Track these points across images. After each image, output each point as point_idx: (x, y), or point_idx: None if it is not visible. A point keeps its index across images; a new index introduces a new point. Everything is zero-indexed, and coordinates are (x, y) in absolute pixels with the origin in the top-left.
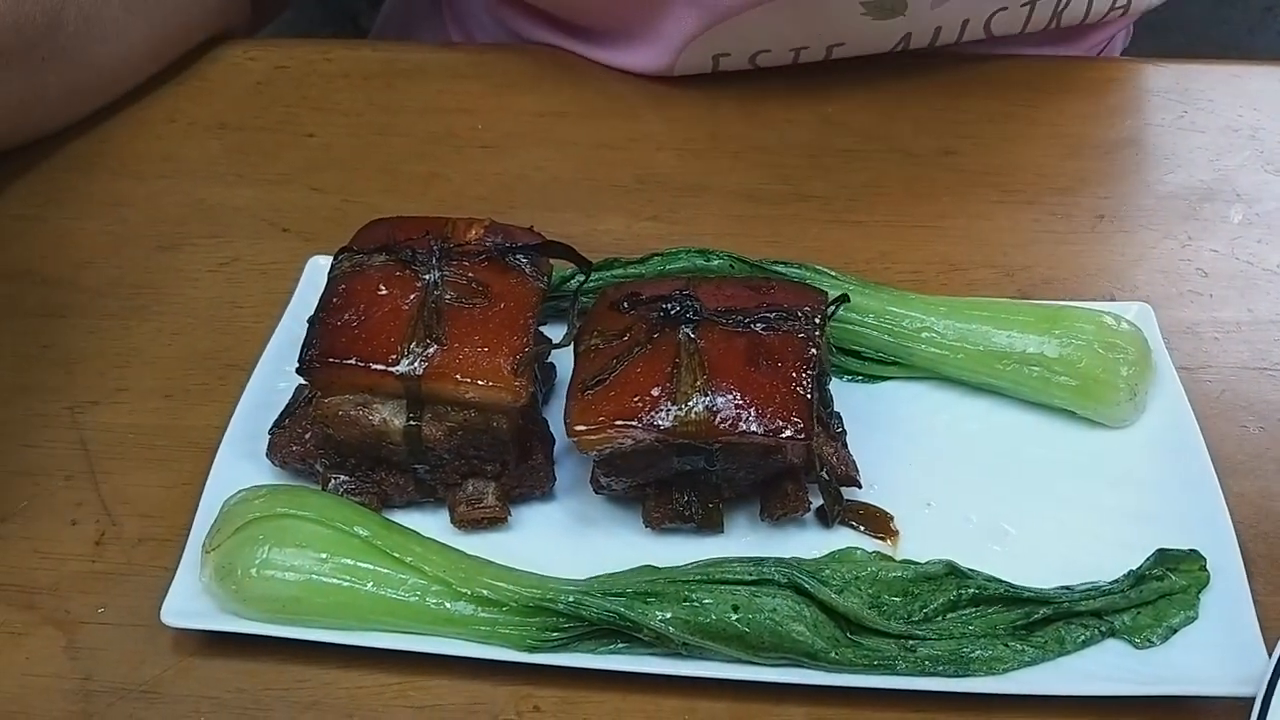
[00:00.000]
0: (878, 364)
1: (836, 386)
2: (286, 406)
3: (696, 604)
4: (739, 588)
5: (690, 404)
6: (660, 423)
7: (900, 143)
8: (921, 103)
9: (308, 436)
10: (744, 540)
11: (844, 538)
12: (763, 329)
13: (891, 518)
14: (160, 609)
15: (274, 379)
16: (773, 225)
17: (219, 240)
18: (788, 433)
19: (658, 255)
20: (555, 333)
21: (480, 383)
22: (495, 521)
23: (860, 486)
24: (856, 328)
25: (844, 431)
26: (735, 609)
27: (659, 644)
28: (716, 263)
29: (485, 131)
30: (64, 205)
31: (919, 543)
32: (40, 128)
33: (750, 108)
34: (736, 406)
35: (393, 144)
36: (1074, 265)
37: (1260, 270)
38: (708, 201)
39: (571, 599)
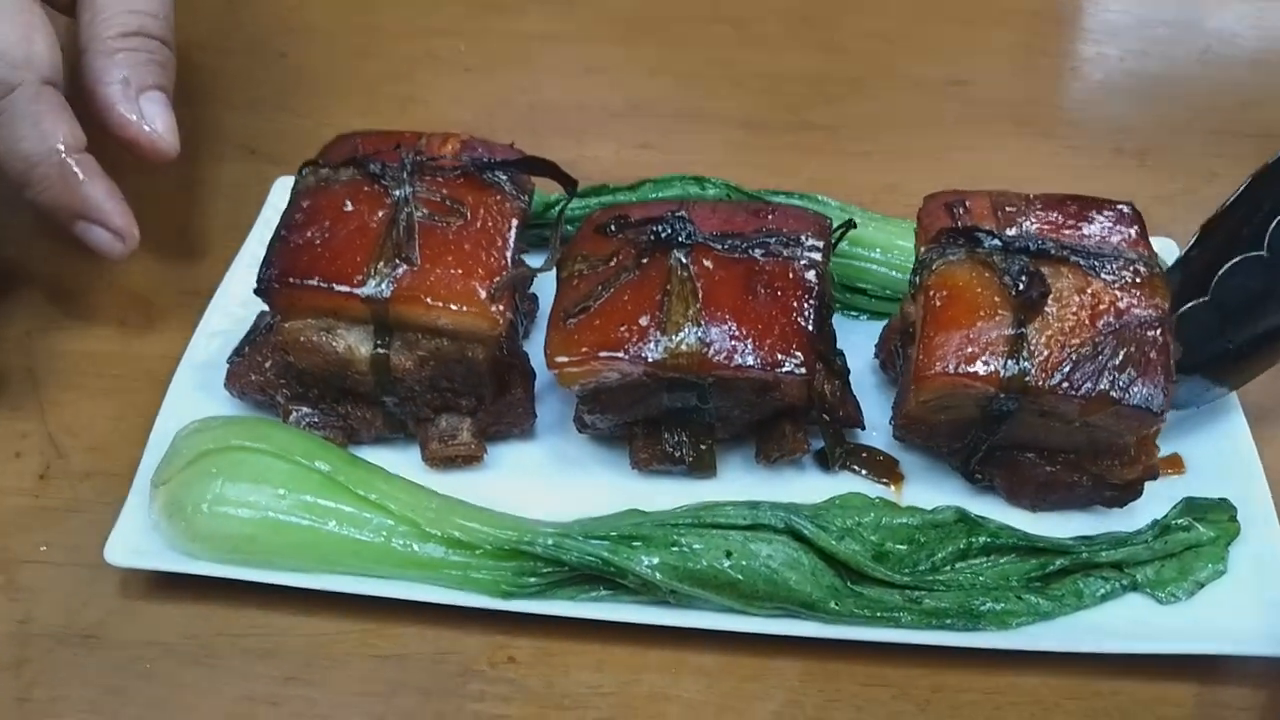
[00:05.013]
0: (884, 300)
1: (840, 322)
2: (247, 334)
3: (686, 549)
4: (732, 532)
5: (681, 335)
6: (648, 355)
7: (908, 71)
8: (930, 30)
9: (268, 365)
10: (738, 484)
11: (845, 483)
12: (761, 255)
13: (896, 462)
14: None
15: (234, 305)
16: (773, 155)
17: (182, 163)
18: (787, 366)
19: (649, 182)
20: (538, 263)
21: (454, 307)
22: (470, 460)
23: (863, 428)
24: (862, 263)
25: (847, 370)
26: (728, 555)
27: (645, 591)
28: (712, 191)
29: (468, 54)
30: None
31: (925, 488)
32: None
33: (751, 31)
34: (731, 338)
35: (370, 66)
36: None
37: None
38: (704, 129)
39: (551, 542)
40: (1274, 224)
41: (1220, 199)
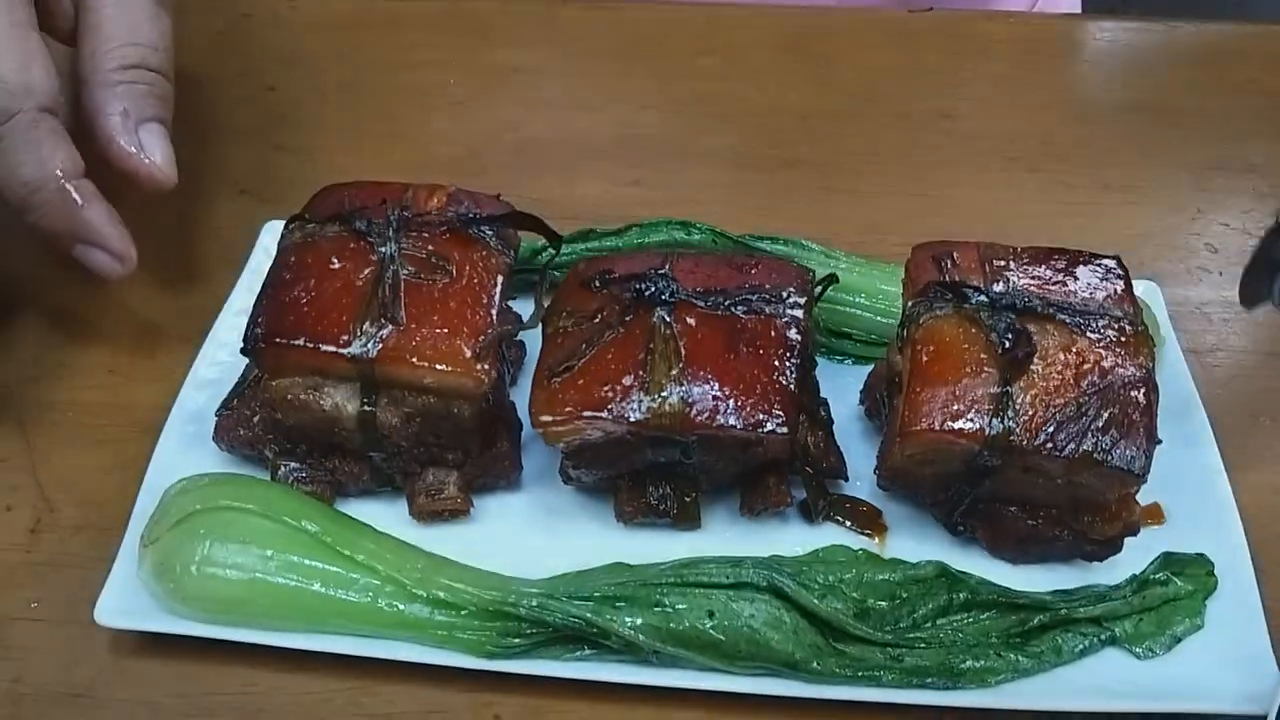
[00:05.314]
0: (869, 345)
1: (824, 367)
2: (235, 386)
3: (669, 609)
4: (715, 591)
5: (664, 394)
6: (631, 414)
7: (896, 105)
8: (918, 63)
9: (256, 420)
10: (722, 536)
11: (829, 534)
12: (744, 312)
13: (880, 512)
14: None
15: (224, 355)
16: (761, 192)
17: (169, 202)
18: (769, 426)
19: (636, 227)
20: (524, 308)
21: (439, 367)
22: (457, 513)
23: (846, 479)
24: (846, 309)
25: (830, 419)
26: (711, 615)
27: (629, 651)
28: (698, 237)
29: (457, 87)
30: None
31: (909, 539)
32: None
33: (740, 64)
34: (714, 397)
35: (359, 100)
36: (1078, 238)
37: None
38: (692, 165)
39: (535, 602)
40: None
41: (1204, 237)
